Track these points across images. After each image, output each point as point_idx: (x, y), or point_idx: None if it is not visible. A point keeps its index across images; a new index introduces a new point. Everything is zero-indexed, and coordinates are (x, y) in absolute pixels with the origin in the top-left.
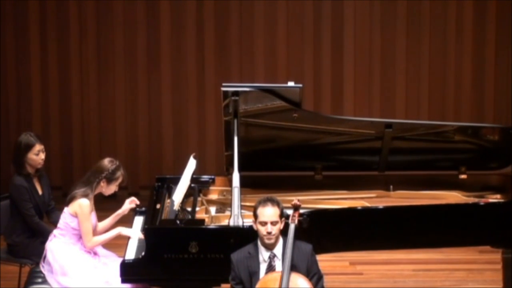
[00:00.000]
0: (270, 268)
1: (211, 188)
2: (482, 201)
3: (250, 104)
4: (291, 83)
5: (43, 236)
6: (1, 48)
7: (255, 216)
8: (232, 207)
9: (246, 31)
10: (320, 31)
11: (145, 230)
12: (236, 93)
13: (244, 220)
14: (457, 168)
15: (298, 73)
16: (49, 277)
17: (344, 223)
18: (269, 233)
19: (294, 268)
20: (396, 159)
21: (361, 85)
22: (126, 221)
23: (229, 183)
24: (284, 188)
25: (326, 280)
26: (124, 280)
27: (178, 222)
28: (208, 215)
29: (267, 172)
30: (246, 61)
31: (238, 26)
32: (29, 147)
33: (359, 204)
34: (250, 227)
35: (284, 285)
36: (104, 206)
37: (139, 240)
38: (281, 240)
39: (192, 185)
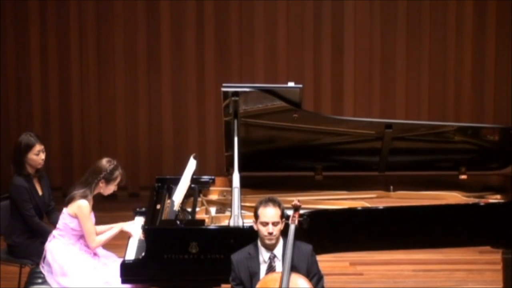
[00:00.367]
0: (270, 268)
1: (211, 188)
2: (482, 201)
3: (250, 105)
4: (291, 84)
5: (43, 236)
6: (1, 48)
7: (256, 216)
8: (232, 208)
9: (246, 31)
10: (320, 31)
11: (145, 230)
12: (236, 94)
13: (244, 221)
14: (457, 169)
15: (298, 74)
16: (49, 278)
17: (344, 223)
18: (270, 233)
19: (294, 268)
20: (396, 160)
21: (361, 85)
22: (126, 221)
23: (229, 183)
24: (284, 189)
25: (326, 280)
26: (124, 281)
27: (178, 222)
28: (208, 215)
29: (267, 173)
30: (246, 61)
31: (238, 26)
32: (29, 147)
33: (359, 204)
34: (250, 227)
35: (284, 285)
36: (104, 206)
37: (139, 240)
38: (281, 240)
39: (192, 185)
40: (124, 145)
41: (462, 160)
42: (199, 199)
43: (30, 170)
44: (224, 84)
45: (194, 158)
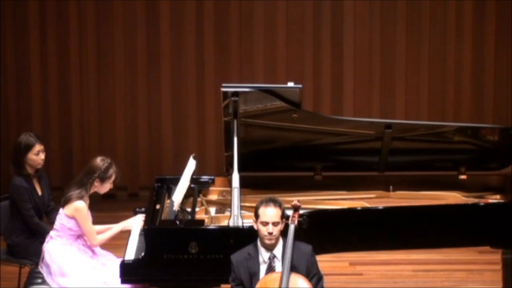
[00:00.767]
0: (270, 269)
1: (211, 188)
2: (481, 201)
3: (250, 105)
4: (290, 84)
5: (43, 236)
6: (1, 48)
7: (257, 216)
8: (232, 208)
9: (245, 32)
10: (319, 31)
11: (145, 230)
12: (236, 94)
13: (244, 221)
14: (457, 169)
15: (298, 74)
16: (48, 278)
17: (344, 223)
18: (270, 233)
19: (294, 268)
20: (396, 160)
21: (361, 85)
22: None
23: (229, 183)
24: (284, 189)
25: (326, 280)
26: (124, 281)
27: (178, 222)
28: (208, 215)
29: (267, 173)
30: (246, 62)
31: (238, 26)
32: (29, 147)
33: (359, 204)
34: (250, 227)
35: (284, 285)
36: (104, 206)
37: (139, 240)
38: (281, 241)
39: (192, 185)
40: (123, 145)
41: (461, 160)
42: (199, 199)
43: (30, 170)
44: (223, 84)
45: (194, 158)
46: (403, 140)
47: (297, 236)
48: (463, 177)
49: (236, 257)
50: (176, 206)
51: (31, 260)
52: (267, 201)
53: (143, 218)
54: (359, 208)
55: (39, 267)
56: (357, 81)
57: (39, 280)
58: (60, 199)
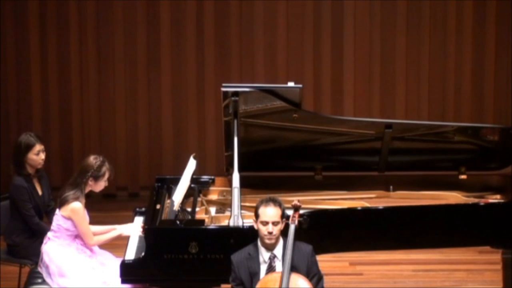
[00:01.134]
0: (270, 268)
1: (211, 188)
2: (482, 201)
3: (250, 105)
4: (291, 84)
5: (43, 236)
6: (1, 48)
7: (257, 215)
8: (232, 208)
9: (246, 31)
10: (320, 31)
11: (145, 230)
12: (236, 94)
13: (244, 221)
14: (457, 169)
15: (298, 73)
16: (47, 279)
17: (344, 223)
18: (270, 233)
19: (294, 268)
20: (396, 160)
21: (361, 85)
22: (126, 221)
23: (229, 183)
24: (284, 189)
25: (326, 280)
26: (124, 281)
27: (178, 222)
28: (208, 215)
29: (267, 173)
30: (246, 61)
31: (238, 26)
32: (29, 147)
33: (359, 204)
34: (250, 227)
35: (284, 285)
36: (104, 206)
37: (139, 240)
38: (281, 240)
39: (192, 185)
40: (124, 145)
41: (462, 160)
42: (199, 199)
43: (30, 170)
44: (224, 84)
45: (194, 158)
46: (403, 140)
47: (297, 236)
48: (463, 177)
49: (237, 257)
50: (176, 206)
51: (31, 260)
52: (267, 201)
53: (142, 225)
54: (359, 208)
55: (39, 268)
56: (357, 81)
57: (39, 280)
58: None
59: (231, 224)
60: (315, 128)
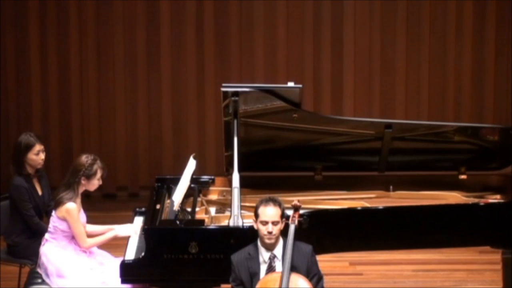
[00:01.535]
0: (270, 269)
1: (211, 188)
2: (482, 201)
3: (250, 105)
4: (291, 84)
5: (43, 236)
6: (1, 48)
7: (256, 215)
8: (232, 208)
9: (245, 31)
10: (320, 31)
11: (145, 230)
12: (236, 94)
13: (244, 221)
14: (457, 169)
15: (298, 74)
16: (47, 279)
17: (344, 223)
18: (269, 232)
19: (294, 268)
20: (396, 160)
21: (361, 85)
22: (126, 221)
23: (229, 183)
24: (284, 189)
25: (326, 280)
26: (124, 281)
27: (178, 222)
28: (208, 215)
29: (267, 173)
30: (246, 61)
31: (238, 26)
32: (29, 147)
33: (359, 204)
34: (250, 227)
35: (284, 285)
36: (104, 206)
37: (139, 240)
38: (281, 240)
39: (192, 185)
40: (123, 145)
41: (462, 160)
42: (199, 199)
43: (30, 170)
44: (223, 84)
45: (194, 158)
46: (403, 140)
47: (297, 236)
48: (463, 177)
49: (236, 257)
50: (176, 206)
51: (31, 260)
52: (267, 201)
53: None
54: (359, 208)
55: (38, 269)
56: (357, 81)
57: (39, 280)
58: None
59: (231, 224)
60: (315, 128)
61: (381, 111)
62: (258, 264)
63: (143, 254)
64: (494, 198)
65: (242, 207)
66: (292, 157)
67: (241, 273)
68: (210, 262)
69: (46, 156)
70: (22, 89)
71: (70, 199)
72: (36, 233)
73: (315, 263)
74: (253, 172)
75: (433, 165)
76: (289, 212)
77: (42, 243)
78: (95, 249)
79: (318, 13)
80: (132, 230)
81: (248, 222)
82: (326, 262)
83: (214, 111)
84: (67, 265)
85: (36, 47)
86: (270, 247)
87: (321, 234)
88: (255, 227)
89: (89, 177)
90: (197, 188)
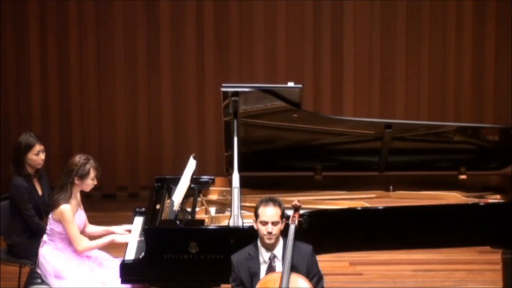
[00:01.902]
0: (271, 269)
1: (211, 188)
2: (482, 201)
3: (250, 105)
4: (290, 84)
5: (43, 236)
6: (1, 48)
7: (256, 215)
8: (232, 208)
9: (245, 31)
10: (319, 32)
11: (145, 230)
12: (236, 94)
13: (244, 221)
14: (457, 169)
15: (298, 73)
16: (46, 279)
17: (344, 223)
18: (269, 233)
19: (294, 268)
20: (396, 160)
21: (361, 85)
22: (126, 221)
23: (229, 183)
24: (284, 189)
25: (326, 280)
26: (124, 281)
27: (178, 222)
28: (208, 215)
29: (267, 173)
30: (246, 61)
31: (238, 26)
32: (29, 147)
33: (359, 204)
34: (250, 227)
35: (284, 285)
36: (104, 206)
37: (139, 240)
38: (281, 241)
39: (192, 185)
40: (124, 145)
41: (461, 160)
42: (199, 199)
43: (30, 170)
44: (223, 84)
45: (194, 158)
46: (403, 140)
47: (297, 236)
48: (463, 177)
49: (237, 257)
50: (176, 206)
51: (31, 260)
52: (267, 201)
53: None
54: (359, 208)
55: (37, 269)
56: (357, 81)
57: (39, 280)
58: None
59: (231, 224)
60: (315, 128)
61: (381, 111)
62: (258, 264)
63: (143, 254)
64: (494, 198)
65: (242, 207)
66: (292, 157)
67: (241, 273)
68: (210, 262)
69: (46, 156)
70: (22, 90)
71: (64, 201)
72: (36, 233)
73: (315, 263)
74: (253, 172)
75: (433, 165)
76: (289, 212)
77: (41, 244)
78: (94, 251)
79: (318, 13)
80: (130, 237)
81: (248, 222)
82: (326, 262)
83: (214, 111)
84: (66, 267)
85: (36, 48)
86: (270, 247)
87: (321, 234)
88: (255, 227)
89: (82, 177)
90: (197, 188)
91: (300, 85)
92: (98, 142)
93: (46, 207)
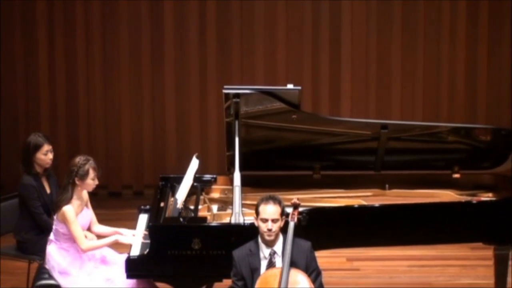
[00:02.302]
0: (271, 264)
1: (213, 187)
2: (474, 199)
3: (251, 106)
4: (290, 86)
5: (50, 234)
6: (11, 51)
7: (257, 213)
8: (234, 205)
9: (246, 35)
10: (318, 36)
11: (149, 227)
12: (237, 95)
13: (245, 218)
14: (451, 168)
15: (297, 75)
16: (53, 275)
17: (342, 220)
18: (269, 230)
19: (293, 264)
20: (391, 159)
21: (358, 87)
22: (131, 218)
23: (231, 182)
24: (284, 187)
25: (324, 275)
26: (129, 276)
27: (181, 219)
28: (210, 213)
29: (267, 172)
30: (247, 64)
31: (239, 30)
32: (38, 147)
33: (356, 202)
34: (251, 224)
35: (284, 280)
36: (109, 204)
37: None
38: (281, 237)
39: (195, 184)
40: (129, 145)
41: (455, 160)
42: (202, 197)
43: (39, 169)
44: (225, 86)
45: (197, 157)
46: (398, 140)
47: (296, 233)
48: (456, 176)
49: (238, 253)
50: (179, 204)
51: (39, 256)
52: (267, 199)
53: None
54: (356, 206)
55: (45, 265)
56: (354, 82)
57: (47, 275)
58: None
59: (233, 221)
60: (313, 129)
61: (377, 112)
62: (258, 260)
63: (147, 250)
64: (486, 196)
65: (243, 205)
66: (292, 157)
67: (242, 268)
68: (213, 258)
69: (54, 156)
70: (30, 92)
71: (65, 202)
72: (44, 230)
73: (313, 259)
74: (253, 171)
75: (428, 165)
76: (289, 210)
77: (48, 242)
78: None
79: (317, 18)
80: (135, 239)
81: (249, 219)
82: (324, 258)
83: (216, 112)
84: (72, 265)
85: (44, 51)
86: (270, 244)
87: (320, 231)
88: (256, 224)
89: (82, 177)
90: (200, 187)
91: (299, 87)
92: (104, 142)
93: (54, 205)
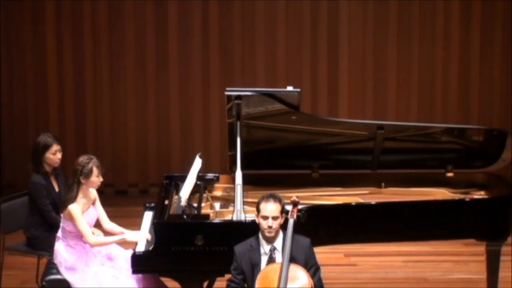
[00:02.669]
0: (271, 260)
1: (216, 185)
2: (467, 197)
3: (252, 107)
4: (290, 88)
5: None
6: (20, 54)
7: (258, 210)
8: (235, 203)
9: (247, 39)
10: (316, 40)
11: (154, 224)
12: (239, 97)
13: (246, 215)
14: (444, 167)
15: (296, 77)
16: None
17: (339, 218)
18: (269, 227)
19: (293, 260)
20: (387, 158)
21: (355, 89)
22: (136, 216)
23: (233, 180)
24: (284, 186)
25: (323, 271)
26: (134, 271)
27: (185, 217)
28: (213, 210)
29: (268, 171)
30: (248, 66)
31: (240, 33)
32: (47, 147)
33: (353, 200)
34: (252, 221)
35: (284, 275)
36: (116, 202)
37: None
38: (281, 234)
39: (198, 182)
40: (134, 145)
41: (449, 159)
42: (204, 195)
43: (48, 169)
44: (227, 88)
45: (200, 157)
46: (394, 140)
47: (296, 230)
48: (450, 174)
49: (239, 248)
50: (183, 202)
51: (48, 252)
52: (268, 197)
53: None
54: (353, 204)
55: (54, 260)
56: (352, 85)
57: (55, 270)
58: None
59: (234, 218)
60: (312, 129)
61: (374, 113)
62: (259, 256)
63: (152, 246)
64: (479, 195)
65: (245, 203)
66: (291, 156)
67: (242, 263)
68: (215, 253)
69: (62, 156)
70: (40, 93)
71: (70, 201)
72: (53, 227)
73: (312, 254)
74: (254, 170)
75: (422, 164)
76: (289, 208)
77: (56, 239)
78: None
79: (315, 22)
80: (141, 236)
81: (250, 216)
82: (322, 253)
83: (218, 114)
84: (78, 261)
85: (53, 54)
86: (270, 240)
87: (318, 227)
88: (257, 221)
89: (87, 175)
90: (203, 185)
91: (298, 89)
92: (111, 143)
93: (61, 203)
